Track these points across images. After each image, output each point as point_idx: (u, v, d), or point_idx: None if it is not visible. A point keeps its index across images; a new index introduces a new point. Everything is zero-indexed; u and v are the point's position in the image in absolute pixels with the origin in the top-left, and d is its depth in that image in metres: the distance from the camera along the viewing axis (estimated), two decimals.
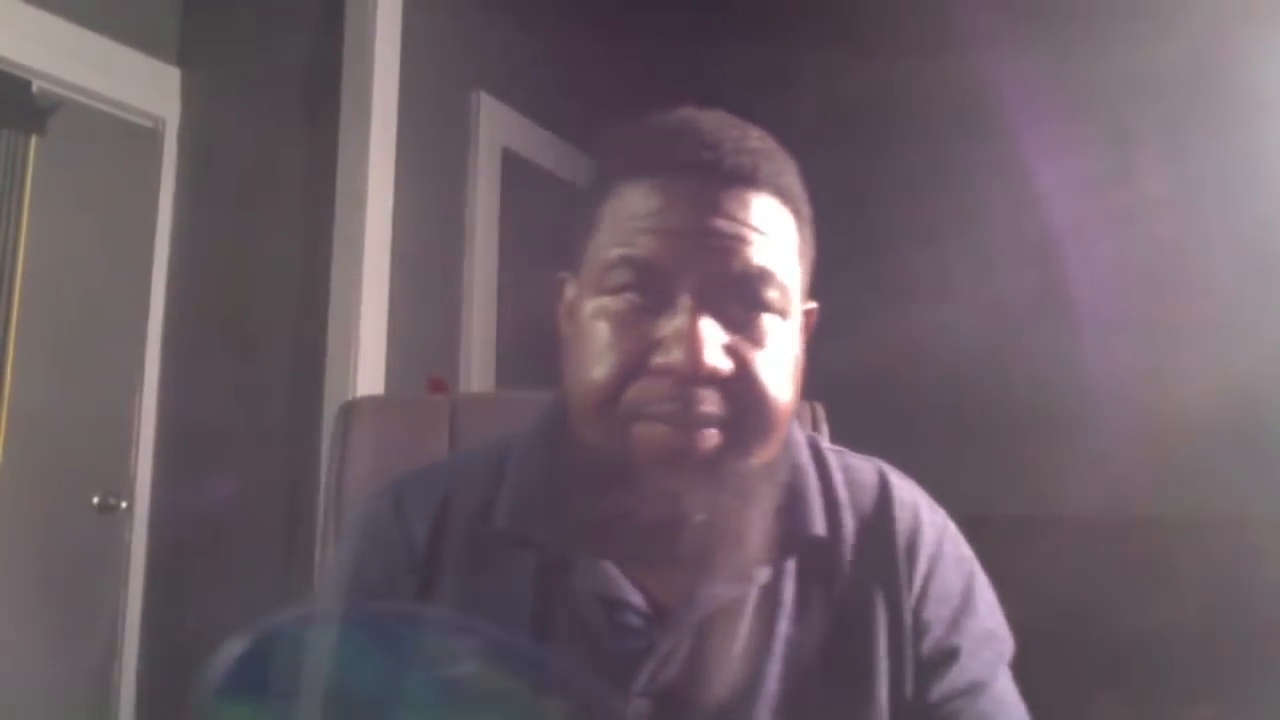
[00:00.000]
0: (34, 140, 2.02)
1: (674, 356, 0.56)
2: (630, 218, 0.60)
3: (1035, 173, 2.39)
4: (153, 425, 2.27)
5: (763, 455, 0.61)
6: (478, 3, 2.42)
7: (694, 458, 0.57)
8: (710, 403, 0.57)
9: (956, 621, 0.66)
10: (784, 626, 0.64)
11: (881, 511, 0.69)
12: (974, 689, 0.64)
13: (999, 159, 2.41)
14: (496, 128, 2.44)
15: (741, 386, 0.58)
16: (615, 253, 0.59)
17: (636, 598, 0.62)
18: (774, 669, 0.63)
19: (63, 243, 2.10)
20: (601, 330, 0.60)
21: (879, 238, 2.49)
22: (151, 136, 2.30)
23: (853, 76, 2.44)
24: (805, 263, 0.65)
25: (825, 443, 0.74)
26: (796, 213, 0.63)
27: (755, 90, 2.57)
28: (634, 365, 0.58)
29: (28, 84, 2.01)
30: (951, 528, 0.71)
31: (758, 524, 0.62)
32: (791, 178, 0.64)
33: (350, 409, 0.96)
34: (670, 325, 0.57)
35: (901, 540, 0.67)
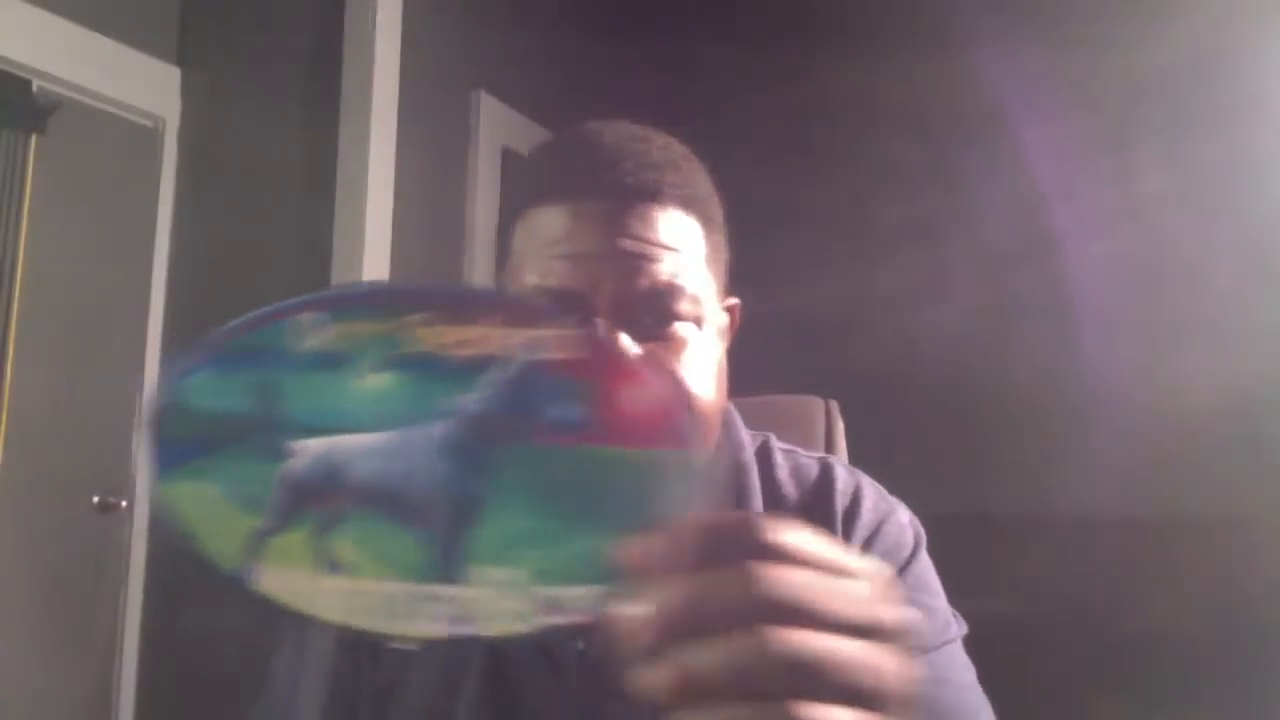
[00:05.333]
0: (34, 140, 2.02)
1: None
2: (541, 244, 0.62)
3: (1035, 172, 2.39)
4: None
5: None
6: (478, 2, 2.42)
7: None
8: None
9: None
10: None
11: (823, 500, 0.70)
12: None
13: (998, 159, 2.41)
14: (496, 127, 2.44)
15: None
16: (529, 281, 0.62)
17: None
18: None
19: (63, 243, 2.10)
20: None
21: (879, 237, 2.49)
22: (151, 136, 2.30)
23: (853, 76, 2.44)
24: (718, 266, 0.67)
25: (778, 443, 0.76)
26: (705, 219, 0.65)
27: (754, 90, 2.58)
28: None
29: (28, 83, 2.01)
30: (900, 518, 0.71)
31: None
32: (697, 186, 0.65)
33: None
34: None
35: (839, 522, 0.69)
